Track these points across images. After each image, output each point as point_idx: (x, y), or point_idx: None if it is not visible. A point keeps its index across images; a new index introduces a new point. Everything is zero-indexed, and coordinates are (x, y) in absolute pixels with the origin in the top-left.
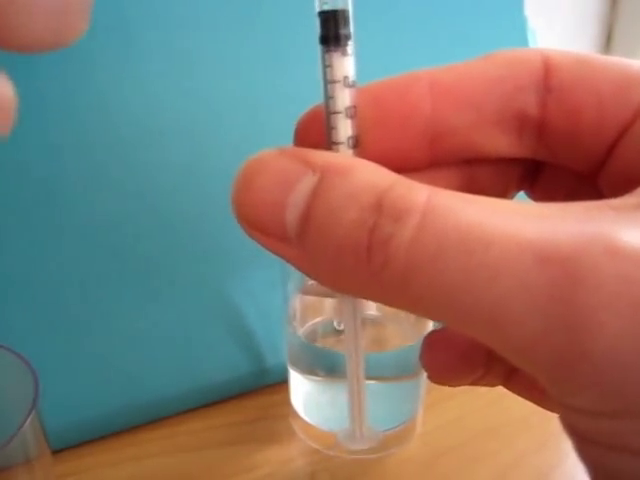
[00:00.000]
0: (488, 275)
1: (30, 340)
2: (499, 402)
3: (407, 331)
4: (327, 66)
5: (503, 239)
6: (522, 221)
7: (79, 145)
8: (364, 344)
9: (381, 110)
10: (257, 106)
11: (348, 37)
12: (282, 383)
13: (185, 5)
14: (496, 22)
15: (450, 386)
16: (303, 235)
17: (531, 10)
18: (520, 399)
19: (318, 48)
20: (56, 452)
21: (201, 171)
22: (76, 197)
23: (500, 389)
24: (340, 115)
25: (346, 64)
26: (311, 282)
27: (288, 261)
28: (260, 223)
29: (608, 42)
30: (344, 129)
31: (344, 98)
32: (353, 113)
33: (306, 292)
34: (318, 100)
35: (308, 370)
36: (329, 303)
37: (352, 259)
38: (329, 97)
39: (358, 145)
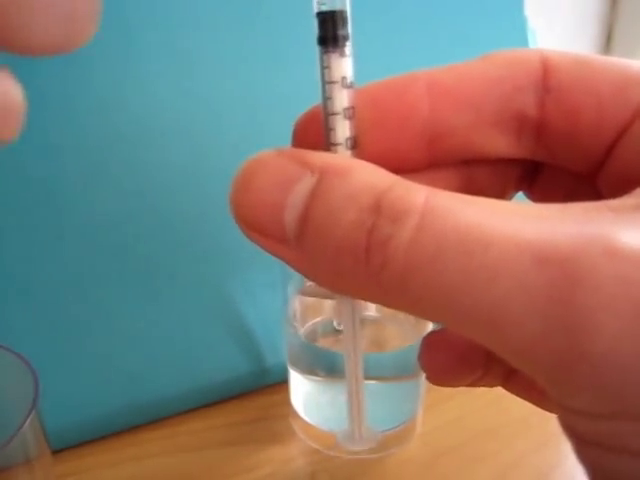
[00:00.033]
0: (487, 276)
1: (30, 340)
2: (498, 403)
3: (407, 332)
4: (325, 67)
5: (502, 240)
6: (521, 222)
7: (79, 145)
8: (363, 345)
9: (379, 111)
10: (256, 106)
11: (346, 38)
12: (282, 383)
13: (185, 5)
14: (496, 22)
15: (449, 387)
16: (301, 236)
17: (531, 10)
18: (519, 400)
19: (316, 49)
20: (56, 452)
21: (201, 171)
22: (76, 197)
23: (499, 390)
24: (338, 116)
25: (344, 65)
26: (310, 283)
27: (286, 262)
28: (258, 224)
29: (608, 42)
30: (342, 130)
31: (342, 99)
32: (351, 114)
33: (305, 293)
34: (317, 101)
35: (308, 370)
36: (329, 303)
37: (351, 260)
38: (327, 98)
39: (356, 146)
